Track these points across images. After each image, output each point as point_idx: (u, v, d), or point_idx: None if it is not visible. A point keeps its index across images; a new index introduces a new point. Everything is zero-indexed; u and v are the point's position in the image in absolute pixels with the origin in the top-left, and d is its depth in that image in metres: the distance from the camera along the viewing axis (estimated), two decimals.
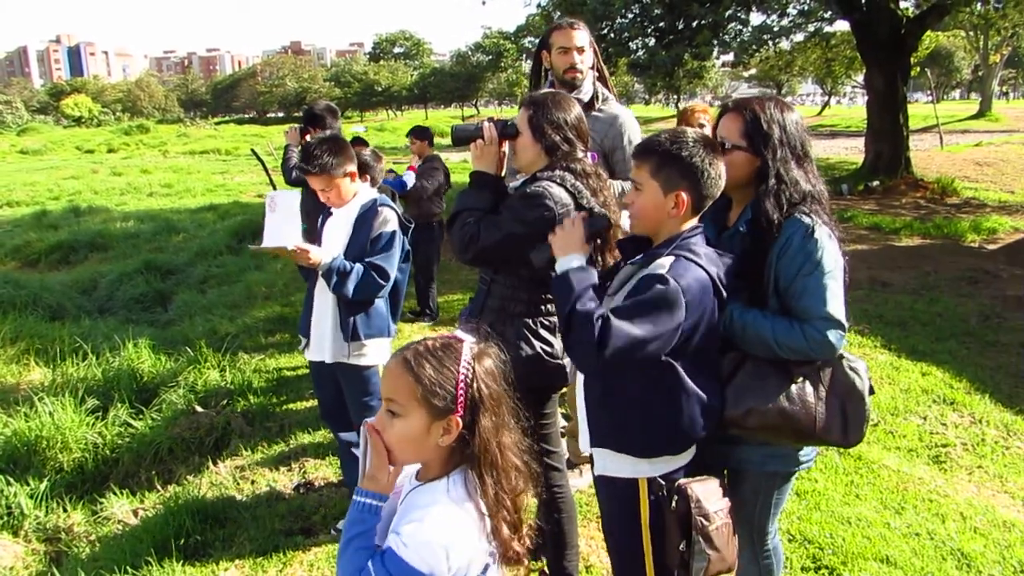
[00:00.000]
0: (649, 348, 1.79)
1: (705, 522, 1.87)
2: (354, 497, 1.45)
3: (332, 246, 3.06)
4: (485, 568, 1.42)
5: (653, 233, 1.98)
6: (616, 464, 1.99)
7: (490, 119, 2.46)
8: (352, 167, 3.04)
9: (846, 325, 1.94)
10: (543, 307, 2.46)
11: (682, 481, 1.91)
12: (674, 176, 1.89)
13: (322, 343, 3.10)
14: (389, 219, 3.05)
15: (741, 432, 2.00)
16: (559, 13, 14.82)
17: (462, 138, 2.48)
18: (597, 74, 3.27)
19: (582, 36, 3.17)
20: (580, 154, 2.40)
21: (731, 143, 2.02)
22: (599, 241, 2.21)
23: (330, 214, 3.17)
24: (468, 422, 1.41)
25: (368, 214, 3.04)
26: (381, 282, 2.98)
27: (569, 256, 1.97)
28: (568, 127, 2.37)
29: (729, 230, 2.09)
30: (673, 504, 1.88)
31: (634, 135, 3.23)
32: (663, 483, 1.91)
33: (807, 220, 1.95)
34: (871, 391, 2.02)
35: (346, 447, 3.29)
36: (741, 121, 2.02)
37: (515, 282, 2.43)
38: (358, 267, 2.97)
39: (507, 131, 2.42)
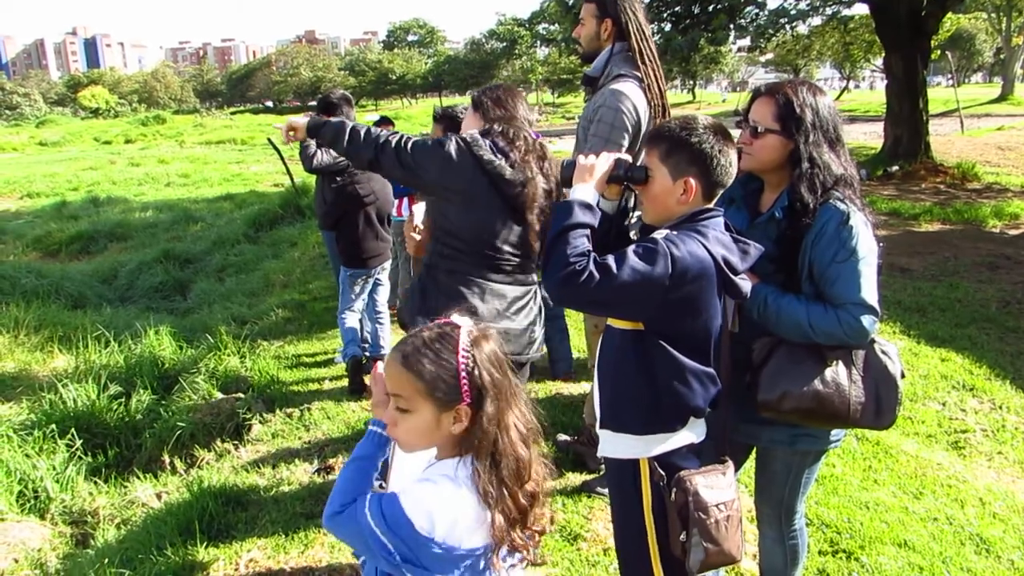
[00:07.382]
0: (619, 295, 1.71)
1: (703, 515, 1.82)
2: (368, 427, 1.53)
3: None
4: (483, 551, 1.43)
5: (664, 222, 1.91)
6: (614, 444, 1.97)
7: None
8: None
9: (879, 310, 1.93)
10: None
11: (683, 472, 1.87)
12: (683, 162, 1.85)
13: None
14: None
15: (775, 416, 2.00)
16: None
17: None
18: (629, 52, 3.06)
19: (585, 7, 3.12)
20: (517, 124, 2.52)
21: (764, 127, 2.03)
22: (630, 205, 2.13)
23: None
24: (476, 408, 1.42)
25: None
26: None
27: (580, 186, 1.91)
28: (504, 104, 2.52)
29: (763, 216, 2.08)
30: (672, 495, 1.86)
31: (609, 108, 2.94)
32: (662, 472, 1.88)
33: (842, 207, 1.95)
34: (902, 374, 2.03)
35: None
36: (774, 105, 2.02)
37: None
38: None
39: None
